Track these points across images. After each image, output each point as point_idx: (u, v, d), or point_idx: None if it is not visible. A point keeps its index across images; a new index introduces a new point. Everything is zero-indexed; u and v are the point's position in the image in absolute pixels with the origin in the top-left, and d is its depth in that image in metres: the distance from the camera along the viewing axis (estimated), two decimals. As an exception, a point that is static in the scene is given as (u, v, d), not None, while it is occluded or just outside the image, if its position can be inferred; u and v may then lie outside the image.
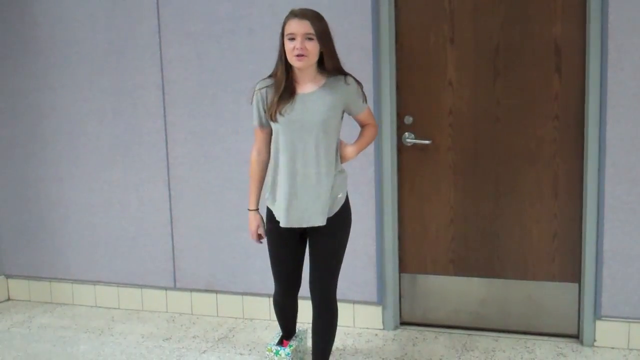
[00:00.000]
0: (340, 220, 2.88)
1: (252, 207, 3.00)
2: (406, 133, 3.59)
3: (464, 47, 3.48)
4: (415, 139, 3.59)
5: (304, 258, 3.01)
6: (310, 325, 3.00)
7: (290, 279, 3.02)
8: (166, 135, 3.95)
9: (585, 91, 3.30)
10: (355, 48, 3.51)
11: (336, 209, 2.86)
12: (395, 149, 3.59)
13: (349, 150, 2.90)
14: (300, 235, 2.92)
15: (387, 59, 3.51)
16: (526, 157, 3.45)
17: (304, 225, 2.84)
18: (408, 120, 3.59)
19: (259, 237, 3.03)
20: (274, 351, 3.18)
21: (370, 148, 3.55)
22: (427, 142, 3.57)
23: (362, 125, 2.99)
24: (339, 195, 2.86)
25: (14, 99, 4.23)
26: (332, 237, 2.88)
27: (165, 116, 3.94)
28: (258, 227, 3.00)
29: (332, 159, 2.82)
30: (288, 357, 3.15)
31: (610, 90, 3.23)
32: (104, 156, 4.09)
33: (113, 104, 4.02)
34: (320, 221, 2.81)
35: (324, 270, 2.89)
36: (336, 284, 2.94)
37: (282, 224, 2.85)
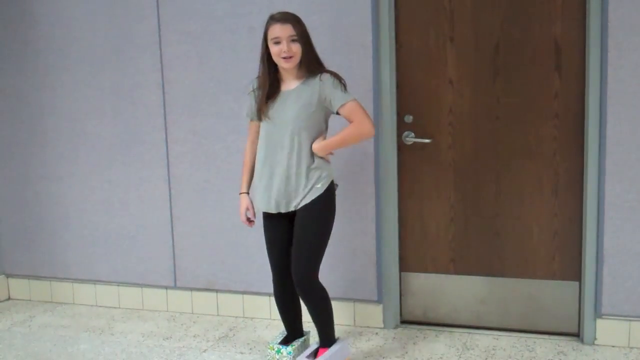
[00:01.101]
0: (315, 210, 2.98)
1: (241, 190, 3.20)
2: (406, 132, 3.59)
3: (464, 46, 3.48)
4: (415, 137, 3.58)
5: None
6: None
7: (280, 264, 3.12)
8: (166, 134, 3.95)
9: (585, 89, 3.30)
10: (355, 46, 3.51)
11: (310, 198, 2.97)
12: (395, 147, 3.59)
13: (314, 147, 2.98)
14: (289, 222, 3.04)
15: (387, 57, 3.51)
16: (526, 155, 3.45)
17: (274, 211, 3.02)
18: (408, 119, 3.59)
19: (249, 220, 3.19)
20: (276, 349, 3.17)
21: (370, 147, 3.55)
22: (427, 140, 3.57)
23: (350, 123, 2.99)
24: (317, 186, 2.97)
25: (14, 99, 4.23)
26: (307, 224, 2.99)
27: (165, 115, 3.94)
28: (247, 209, 3.17)
29: (306, 155, 2.96)
30: (289, 357, 3.15)
31: (610, 88, 3.23)
32: (104, 155, 4.09)
33: (113, 103, 4.03)
34: (288, 208, 2.99)
35: (298, 256, 3.02)
36: (312, 270, 3.02)
37: (260, 208, 3.07)
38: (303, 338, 3.26)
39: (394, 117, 3.58)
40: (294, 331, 3.25)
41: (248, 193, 3.19)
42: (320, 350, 3.12)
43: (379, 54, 3.52)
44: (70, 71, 4.08)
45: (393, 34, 3.54)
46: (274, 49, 2.91)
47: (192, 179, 3.94)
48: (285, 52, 2.89)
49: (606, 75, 3.22)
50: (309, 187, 2.96)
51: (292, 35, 2.90)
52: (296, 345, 3.19)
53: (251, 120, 3.14)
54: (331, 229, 3.05)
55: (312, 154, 2.98)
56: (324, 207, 3.00)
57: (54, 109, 4.15)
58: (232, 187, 3.86)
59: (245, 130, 3.75)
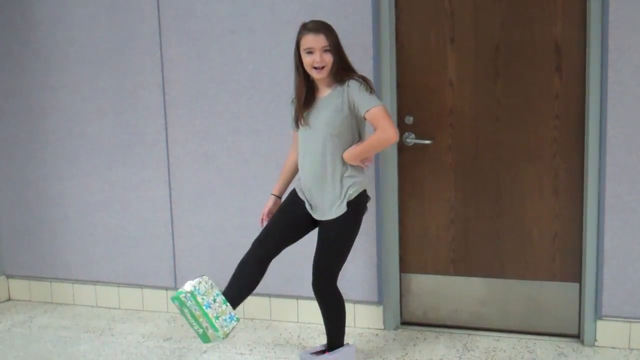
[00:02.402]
0: (343, 220, 3.00)
1: (273, 192, 3.28)
2: (406, 133, 3.59)
3: (465, 47, 3.47)
4: (415, 138, 3.58)
5: (294, 237, 3.12)
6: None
7: (266, 236, 3.08)
8: (166, 134, 3.95)
9: (586, 90, 3.30)
10: (356, 47, 3.50)
11: (342, 207, 2.98)
12: (395, 148, 3.59)
13: (345, 156, 2.99)
14: (309, 221, 3.07)
15: (388, 58, 3.51)
16: (527, 156, 3.45)
17: (315, 217, 3.04)
18: (408, 120, 3.59)
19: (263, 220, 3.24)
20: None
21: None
22: (427, 141, 3.57)
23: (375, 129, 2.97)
24: (350, 192, 2.99)
25: (14, 99, 4.23)
26: (333, 232, 3.01)
27: (165, 116, 3.94)
28: (267, 209, 3.24)
29: (339, 162, 2.98)
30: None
31: (610, 89, 3.22)
32: (105, 156, 4.09)
33: (113, 103, 4.02)
34: (327, 216, 3.00)
35: (319, 262, 3.06)
36: (331, 277, 3.07)
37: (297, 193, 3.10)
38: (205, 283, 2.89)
39: (395, 118, 3.57)
40: (232, 300, 2.95)
41: (279, 197, 3.25)
42: (326, 352, 3.15)
43: (379, 54, 3.52)
44: (71, 71, 4.08)
45: (393, 34, 3.53)
46: (306, 59, 2.93)
47: (193, 179, 3.93)
48: (318, 63, 2.90)
49: (606, 76, 3.22)
50: (343, 194, 2.98)
51: (325, 46, 2.90)
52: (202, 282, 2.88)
53: (294, 129, 3.14)
54: (355, 237, 3.08)
55: (342, 163, 2.99)
56: (352, 216, 3.01)
57: (54, 109, 4.15)
58: (232, 188, 3.86)
59: (246, 130, 3.78)
